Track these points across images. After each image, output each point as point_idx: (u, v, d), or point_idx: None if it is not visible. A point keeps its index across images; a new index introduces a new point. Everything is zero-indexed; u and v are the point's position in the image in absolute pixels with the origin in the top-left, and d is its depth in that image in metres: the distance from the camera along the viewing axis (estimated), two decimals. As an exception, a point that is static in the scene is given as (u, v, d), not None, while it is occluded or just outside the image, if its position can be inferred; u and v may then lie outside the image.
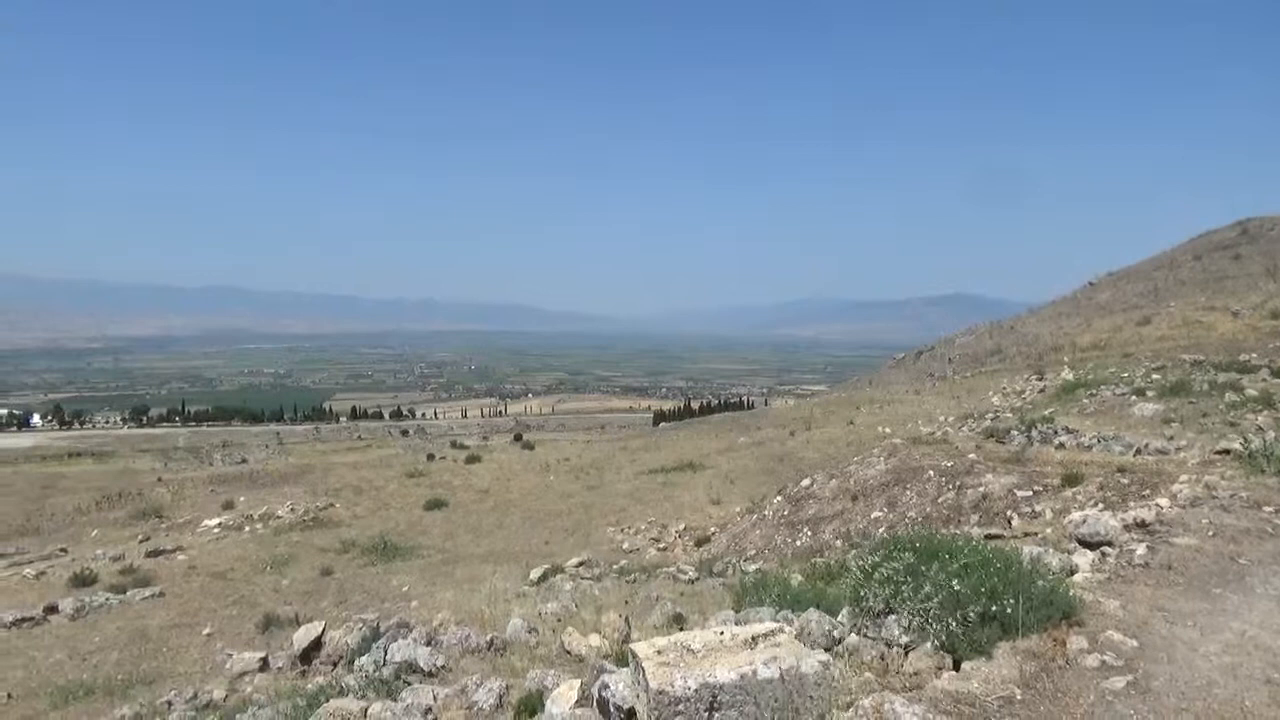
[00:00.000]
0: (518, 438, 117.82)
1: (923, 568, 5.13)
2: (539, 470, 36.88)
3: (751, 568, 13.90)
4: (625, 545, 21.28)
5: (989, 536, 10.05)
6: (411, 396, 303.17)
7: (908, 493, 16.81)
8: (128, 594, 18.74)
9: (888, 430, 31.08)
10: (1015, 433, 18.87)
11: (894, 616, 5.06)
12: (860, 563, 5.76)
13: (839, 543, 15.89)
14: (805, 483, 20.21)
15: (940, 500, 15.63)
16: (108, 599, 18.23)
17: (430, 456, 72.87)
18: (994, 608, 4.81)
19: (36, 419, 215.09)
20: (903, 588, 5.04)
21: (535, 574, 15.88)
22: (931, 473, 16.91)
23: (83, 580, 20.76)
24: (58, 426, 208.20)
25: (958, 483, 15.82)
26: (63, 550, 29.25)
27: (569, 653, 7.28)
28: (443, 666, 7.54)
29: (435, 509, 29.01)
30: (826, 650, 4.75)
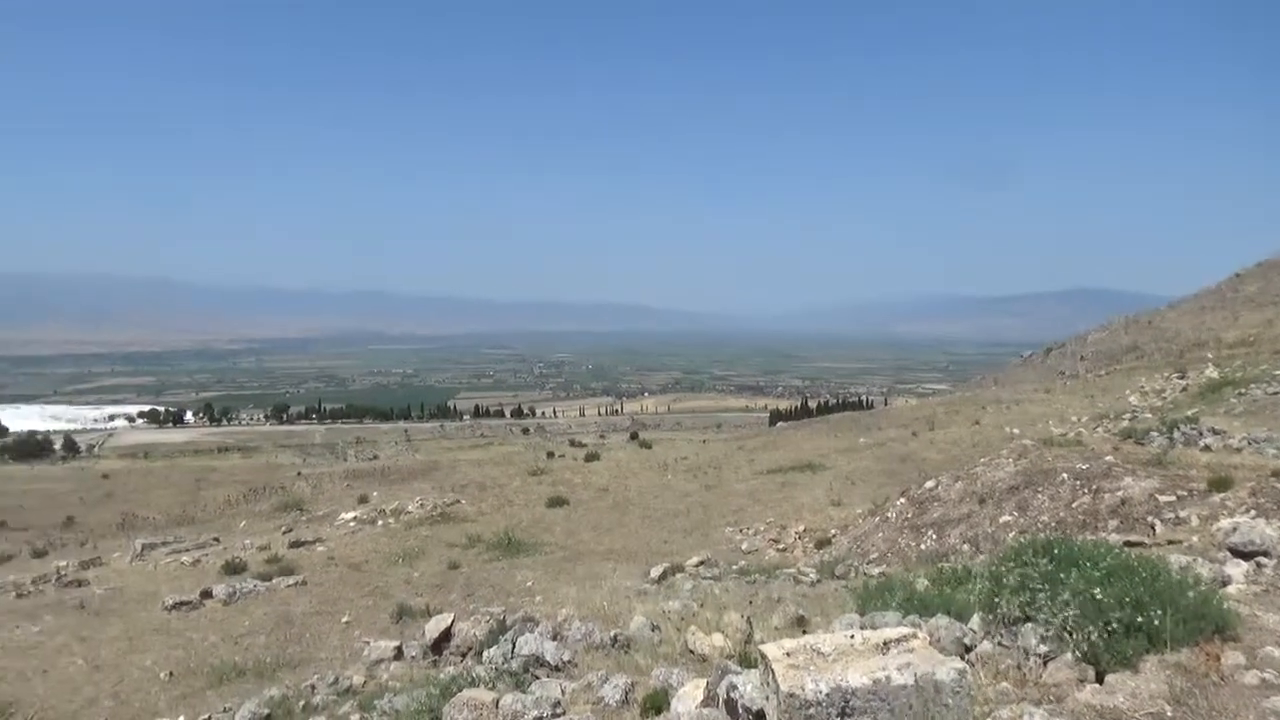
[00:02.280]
0: (634, 436, 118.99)
1: (1061, 575, 4.93)
2: (657, 469, 37.10)
3: (875, 571, 13.64)
4: (744, 545, 21.17)
5: (1129, 544, 9.55)
6: (531, 395, 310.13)
7: (1039, 496, 16.12)
8: (273, 581, 19.88)
9: (1016, 431, 29.91)
10: (1155, 434, 17.84)
11: (1030, 625, 4.86)
12: (993, 568, 5.58)
13: (966, 547, 15.39)
14: (929, 484, 19.65)
15: (1075, 505, 14.93)
16: (255, 586, 19.40)
17: (550, 454, 74.35)
18: (1139, 618, 4.58)
19: (189, 416, 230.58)
20: (1040, 595, 4.85)
21: (655, 572, 16.01)
22: (1065, 475, 16.17)
23: (233, 568, 22.15)
24: (208, 423, 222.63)
25: (1094, 486, 15.07)
26: (215, 539, 31.28)
27: (692, 652, 7.32)
28: (568, 661, 7.71)
29: (556, 506, 29.56)
30: (956, 657, 4.64)
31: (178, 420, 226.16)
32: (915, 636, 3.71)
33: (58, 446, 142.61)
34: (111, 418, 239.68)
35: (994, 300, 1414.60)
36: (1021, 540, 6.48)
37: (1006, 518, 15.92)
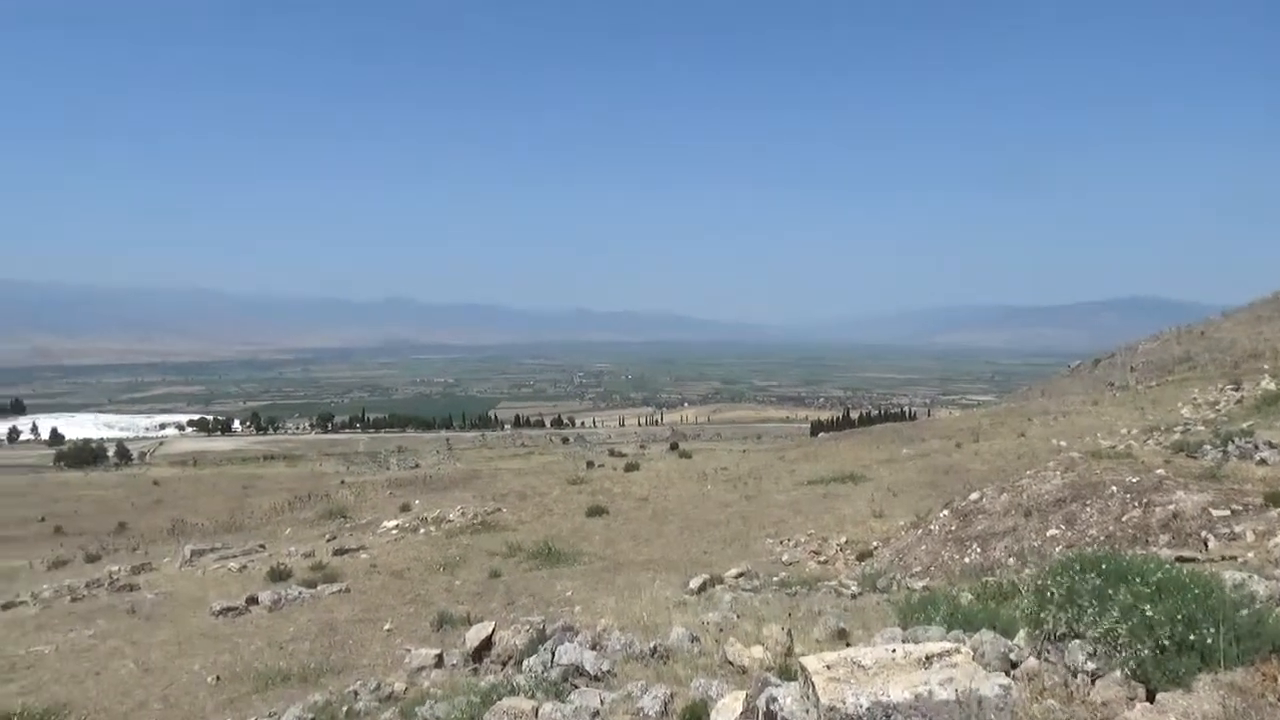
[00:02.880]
0: (674, 446, 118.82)
1: (1110, 590, 4.81)
2: (696, 479, 36.99)
3: (918, 584, 13.45)
4: (784, 557, 21.02)
5: (1181, 559, 9.32)
6: (570, 405, 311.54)
7: (1087, 510, 15.79)
8: (317, 588, 20.15)
9: (1063, 443, 29.37)
10: (1209, 447, 17.40)
11: (1078, 641, 4.75)
12: (1040, 583, 5.46)
13: (1011, 561, 15.12)
14: (974, 497, 19.35)
15: (1124, 519, 14.60)
16: (300, 592, 19.67)
17: (590, 464, 74.55)
18: (1191, 636, 4.45)
19: (236, 424, 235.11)
20: (1088, 611, 4.73)
21: (695, 583, 15.94)
22: (1114, 489, 15.83)
23: (279, 574, 22.48)
24: (254, 431, 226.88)
25: (1144, 500, 14.74)
26: (261, 546, 31.80)
27: (731, 663, 7.28)
28: (608, 671, 7.70)
29: (596, 516, 29.62)
30: (1002, 673, 4.56)
31: (226, 429, 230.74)
32: (958, 651, 3.65)
33: (111, 454, 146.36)
34: (162, 426, 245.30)
35: (1040, 310, 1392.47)
36: (1069, 554, 6.36)
37: (1053, 531, 15.62)
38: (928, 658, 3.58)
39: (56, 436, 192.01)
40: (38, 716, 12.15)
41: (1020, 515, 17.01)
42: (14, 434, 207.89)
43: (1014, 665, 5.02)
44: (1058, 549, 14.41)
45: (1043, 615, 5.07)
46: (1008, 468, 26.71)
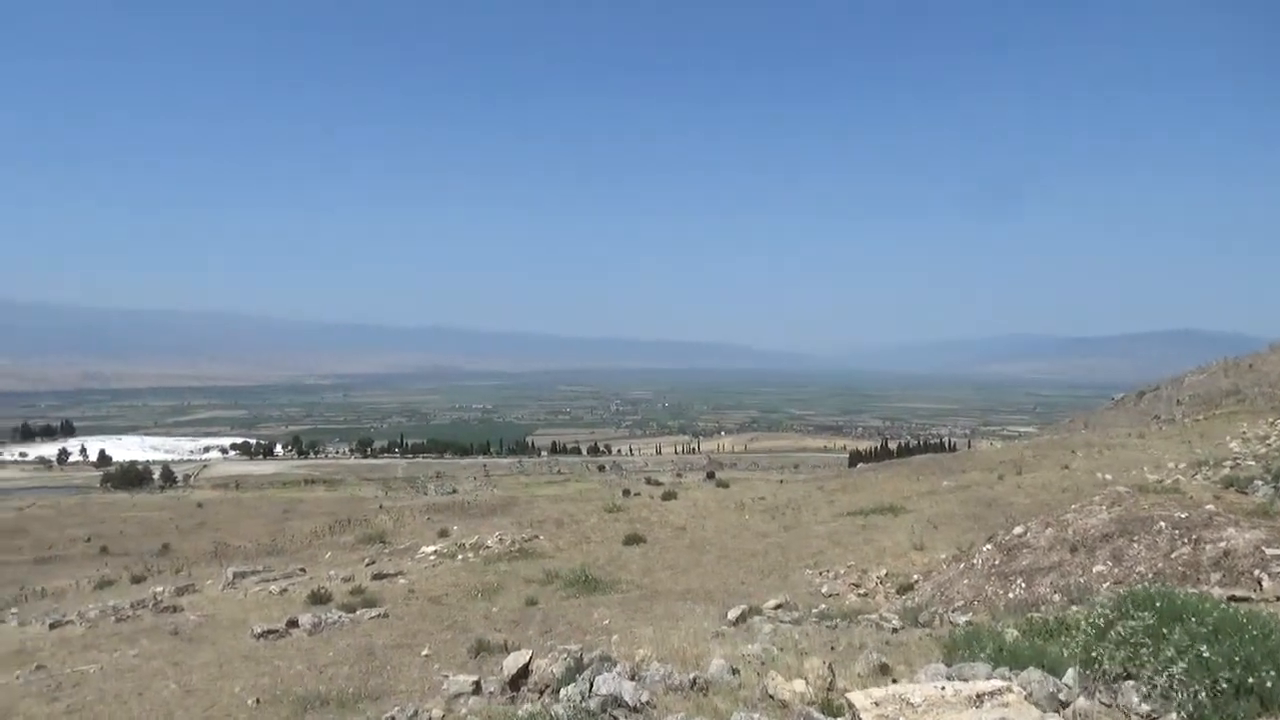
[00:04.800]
0: (711, 475, 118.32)
1: (1164, 630, 4.70)
2: (734, 509, 36.74)
3: (961, 619, 13.20)
4: (824, 589, 20.75)
5: (1234, 598, 9.06)
6: (607, 433, 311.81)
7: (1135, 545, 15.41)
8: (356, 613, 20.25)
9: (1108, 477, 28.77)
10: (1260, 483, 16.94)
11: (1131, 682, 4.63)
12: (1091, 620, 5.34)
13: (1057, 597, 14.77)
14: (1017, 531, 18.98)
15: (1174, 555, 14.22)
16: (340, 616, 19.79)
17: (626, 492, 74.39)
18: (1250, 679, 4.33)
19: (279, 448, 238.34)
20: (1141, 650, 4.62)
21: (733, 614, 15.78)
22: (1163, 524, 15.44)
23: (319, 598, 22.66)
24: (296, 456, 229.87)
25: (1194, 536, 14.35)
26: (301, 570, 32.09)
27: (772, 697, 7.19)
28: (646, 702, 7.63)
29: (633, 544, 29.50)
30: (1053, 713, 4.45)
31: (268, 453, 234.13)
32: (1010, 690, 3.59)
33: (156, 476, 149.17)
34: (206, 449, 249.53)
35: (1083, 341, 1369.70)
36: (1119, 591, 6.21)
37: (1100, 567, 15.26)
38: (978, 696, 3.52)
39: (104, 458, 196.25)
40: (82, 735, 12.34)
41: (1066, 550, 16.65)
42: (64, 455, 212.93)
43: (1064, 705, 4.91)
44: (1105, 585, 14.07)
45: (1095, 654, 4.95)
46: (1051, 501, 26.20)
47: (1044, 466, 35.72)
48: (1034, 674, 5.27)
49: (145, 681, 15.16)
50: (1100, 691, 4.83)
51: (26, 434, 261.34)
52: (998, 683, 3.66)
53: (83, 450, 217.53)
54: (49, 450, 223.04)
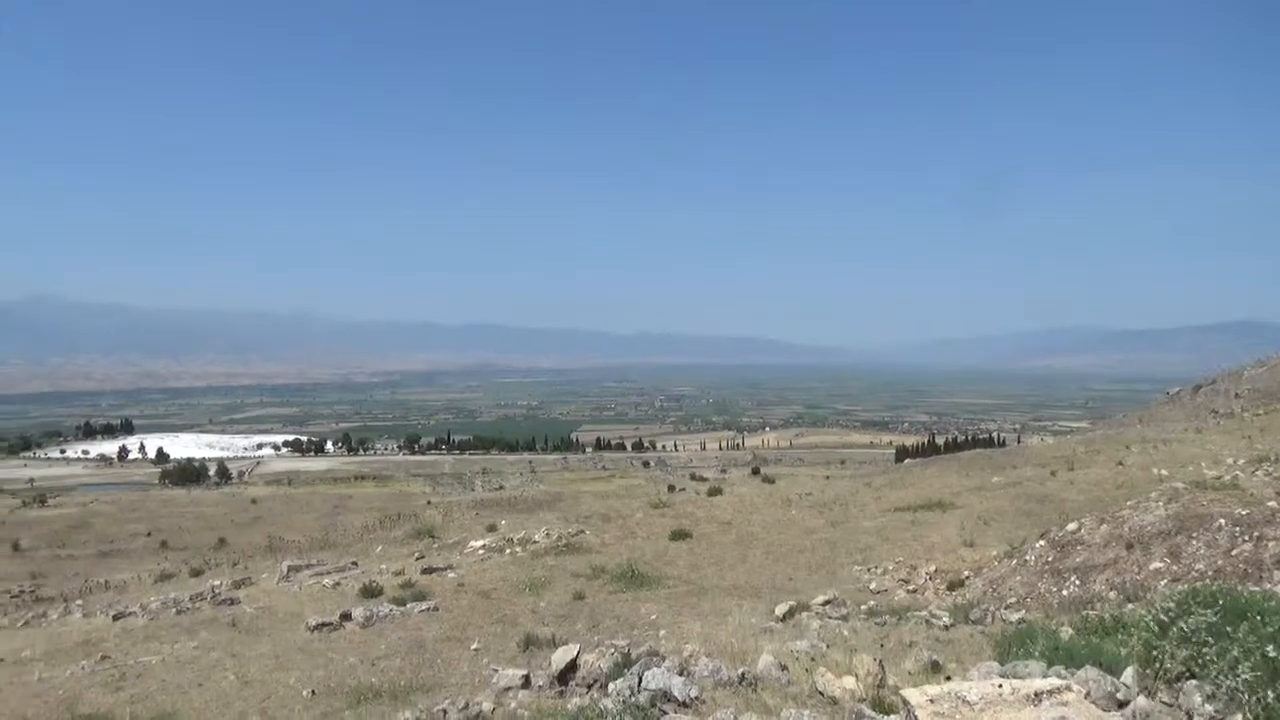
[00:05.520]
0: (756, 471, 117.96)
1: (1228, 628, 4.57)
2: (780, 504, 36.53)
3: (1013, 617, 13.00)
4: (872, 585, 20.57)
5: (1302, 597, 8.82)
6: (652, 429, 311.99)
7: (1193, 543, 15.06)
8: (407, 606, 20.54)
9: (1164, 473, 28.10)
10: (1325, 479, 16.44)
11: (1195, 682, 4.51)
12: (1151, 618, 5.20)
13: (1112, 595, 14.48)
14: (1071, 527, 18.65)
15: (1234, 553, 13.88)
16: (391, 610, 20.09)
17: (671, 488, 74.41)
18: (1320, 681, 4.21)
19: (329, 445, 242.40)
20: (1205, 650, 4.49)
21: (780, 610, 15.72)
22: (1222, 521, 15.07)
23: (370, 592, 23.02)
24: (346, 452, 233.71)
25: (1255, 534, 13.99)
26: (353, 563, 32.63)
27: (821, 693, 7.15)
28: (695, 698, 7.63)
29: (679, 540, 29.50)
30: (1113, 713, 4.36)
31: (319, 449, 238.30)
32: (1069, 689, 3.53)
33: (212, 473, 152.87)
34: (259, 446, 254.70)
35: (1136, 334, 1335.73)
36: (1178, 589, 6.06)
37: (1157, 565, 14.94)
38: (1036, 694, 3.46)
39: (162, 455, 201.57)
40: (145, 724, 12.70)
41: (1121, 547, 16.32)
42: (124, 452, 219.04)
43: (1121, 705, 4.80)
44: (1162, 583, 13.78)
45: (1156, 653, 4.83)
46: (1106, 498, 25.67)
47: (1097, 462, 34.98)
48: (1091, 672, 5.15)
49: (205, 672, 15.55)
50: (1161, 691, 4.72)
51: (89, 432, 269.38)
52: (1055, 681, 3.60)
53: (142, 447, 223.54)
54: (110, 448, 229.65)
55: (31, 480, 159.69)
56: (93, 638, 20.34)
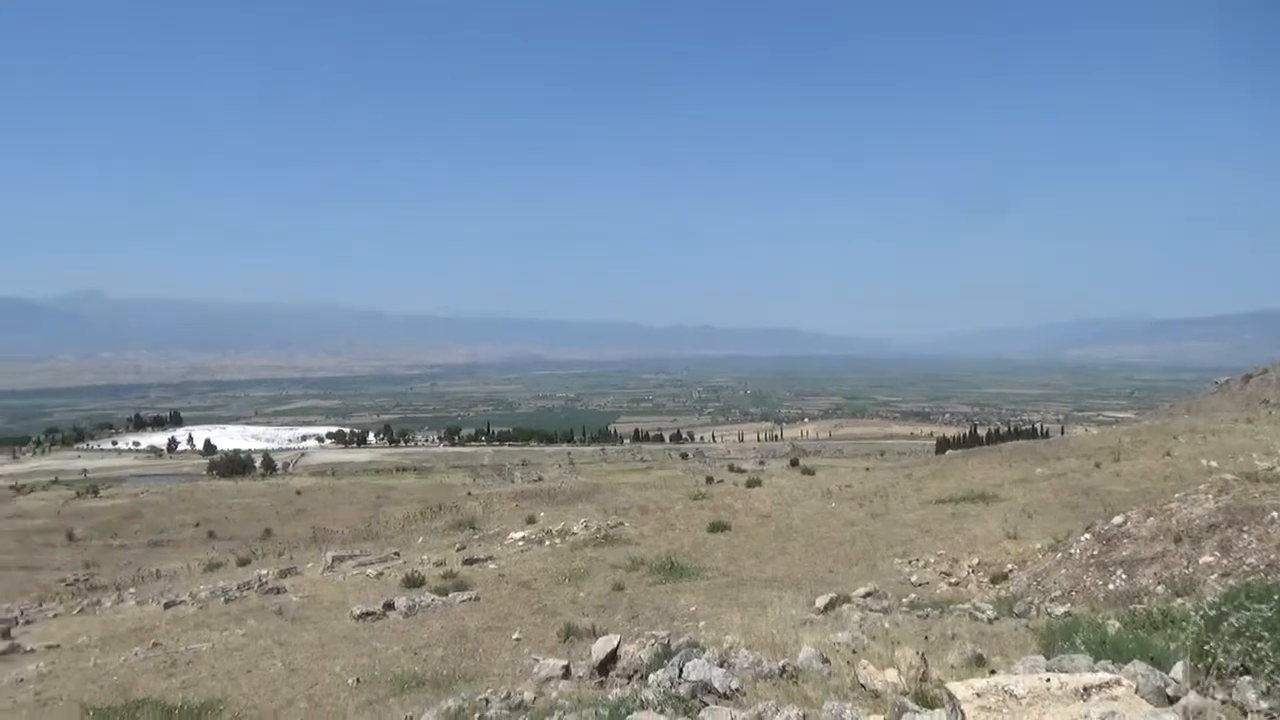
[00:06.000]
0: (795, 462, 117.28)
1: (1285, 624, 4.47)
2: (819, 496, 36.33)
3: (1059, 610, 12.83)
4: (914, 578, 20.40)
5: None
6: (689, 420, 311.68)
7: (1245, 536, 14.73)
8: (449, 596, 20.78)
9: (1213, 464, 27.50)
10: (1386, 470, 15.97)
11: (1248, 678, 4.42)
12: (1202, 612, 5.11)
13: (1160, 589, 14.23)
14: (1117, 520, 18.33)
15: (1289, 546, 13.55)
16: (433, 600, 20.34)
17: (709, 479, 74.32)
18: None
19: (371, 437, 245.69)
20: (1260, 645, 4.40)
21: (821, 602, 15.66)
22: (1275, 514, 14.73)
23: (413, 582, 23.32)
24: (387, 444, 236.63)
25: (1312, 527, 13.65)
26: (396, 554, 33.05)
27: (863, 686, 7.13)
28: (736, 689, 7.65)
29: (718, 531, 29.48)
30: (1164, 708, 4.29)
31: (361, 441, 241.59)
32: (1119, 683, 3.47)
33: (258, 464, 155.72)
34: (303, 438, 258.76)
35: (1184, 322, 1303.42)
36: (1229, 583, 5.95)
37: (1207, 558, 14.64)
38: (1085, 689, 3.41)
39: (209, 447, 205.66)
40: (196, 710, 12.99)
41: (1169, 540, 16.02)
42: (173, 444, 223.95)
43: (1172, 701, 4.72)
44: (1212, 577, 13.51)
45: (1208, 647, 4.73)
46: (1153, 490, 25.18)
47: (1144, 453, 34.32)
48: (1139, 667, 5.07)
49: (253, 660, 15.88)
50: (1213, 687, 4.63)
51: (139, 424, 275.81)
52: (1104, 675, 3.54)
53: (190, 439, 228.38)
54: (159, 439, 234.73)
55: (85, 471, 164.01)
56: (145, 625, 20.87)
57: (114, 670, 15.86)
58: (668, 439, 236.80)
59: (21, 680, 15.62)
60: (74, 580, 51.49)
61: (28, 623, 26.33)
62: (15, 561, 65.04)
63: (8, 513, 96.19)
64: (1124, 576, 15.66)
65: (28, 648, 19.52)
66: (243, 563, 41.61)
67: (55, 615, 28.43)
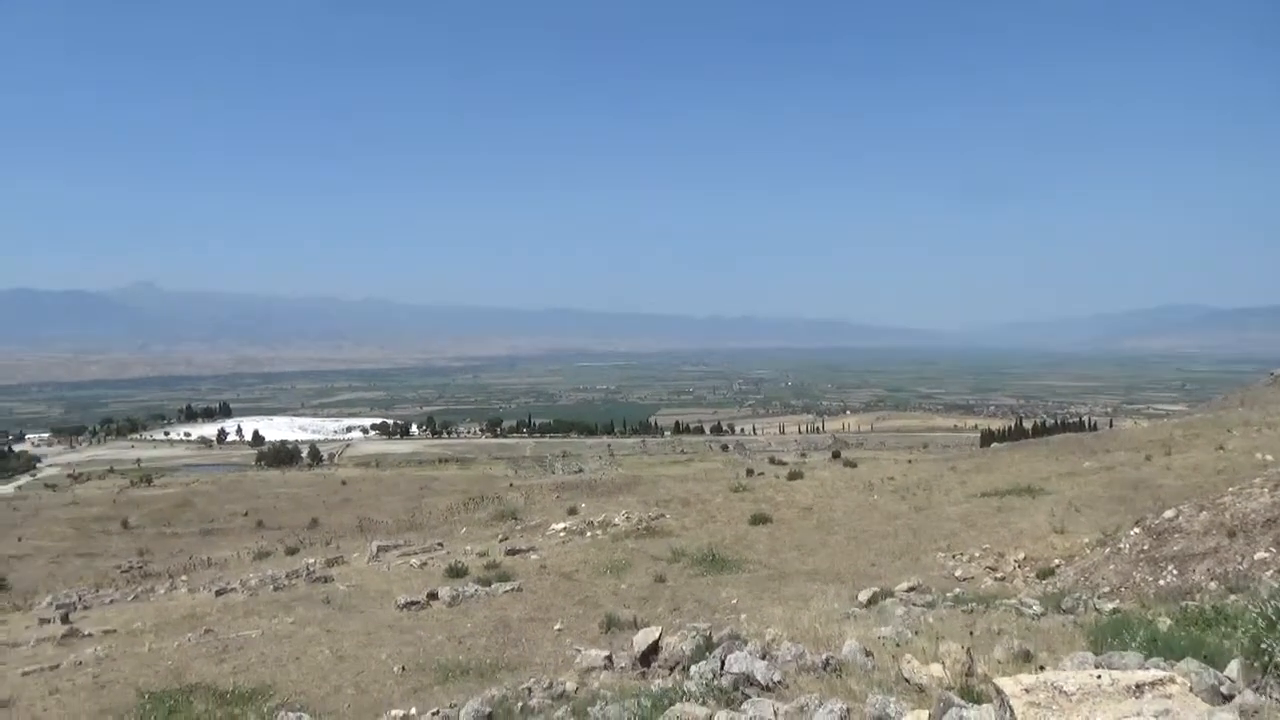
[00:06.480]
0: (837, 455, 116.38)
1: (1344, 623, 4.37)
2: (862, 489, 36.06)
3: (1107, 606, 12.60)
4: (958, 572, 20.17)
5: None
6: (730, 412, 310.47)
7: (1303, 531, 14.34)
8: (491, 586, 21.01)
9: (1269, 457, 26.76)
10: None
11: (1307, 677, 4.33)
12: (1259, 610, 4.99)
13: (1213, 585, 13.90)
14: (1168, 514, 17.92)
15: (1349, 543, 13.17)
16: (476, 590, 20.59)
17: (750, 472, 74.07)
18: None
19: (414, 428, 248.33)
20: (1319, 645, 4.31)
21: (864, 596, 15.54)
22: (1336, 509, 14.31)
23: (456, 572, 23.62)
24: (430, 435, 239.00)
25: (1373, 523, 13.24)
26: (439, 544, 33.49)
27: (907, 680, 7.06)
28: (779, 682, 7.62)
29: (759, 524, 29.41)
30: (1220, 706, 4.20)
31: (404, 432, 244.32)
32: (1173, 681, 3.40)
33: (304, 455, 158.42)
34: (349, 429, 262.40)
35: (1236, 312, 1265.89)
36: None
37: (1262, 554, 14.26)
38: (1137, 686, 3.35)
39: (258, 438, 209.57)
40: (246, 695, 13.32)
41: (1223, 535, 15.63)
42: (222, 435, 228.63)
43: (1226, 699, 4.61)
44: (1268, 573, 13.16)
45: (1265, 645, 4.63)
46: (1205, 484, 24.57)
47: (1196, 447, 33.51)
48: (1191, 664, 4.96)
49: (301, 647, 16.21)
50: (1271, 685, 4.52)
51: (190, 415, 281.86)
52: (1157, 673, 3.47)
53: (239, 430, 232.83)
54: (209, 430, 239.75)
55: (139, 461, 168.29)
56: (197, 612, 21.40)
57: (168, 655, 16.29)
58: (708, 431, 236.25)
59: (80, 663, 16.12)
60: (129, 567, 52.89)
61: (85, 608, 27.14)
62: (73, 549, 67.01)
63: (66, 500, 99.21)
64: (1175, 572, 15.33)
65: (86, 632, 20.13)
66: (291, 551, 42.40)
67: (111, 601, 29.29)
